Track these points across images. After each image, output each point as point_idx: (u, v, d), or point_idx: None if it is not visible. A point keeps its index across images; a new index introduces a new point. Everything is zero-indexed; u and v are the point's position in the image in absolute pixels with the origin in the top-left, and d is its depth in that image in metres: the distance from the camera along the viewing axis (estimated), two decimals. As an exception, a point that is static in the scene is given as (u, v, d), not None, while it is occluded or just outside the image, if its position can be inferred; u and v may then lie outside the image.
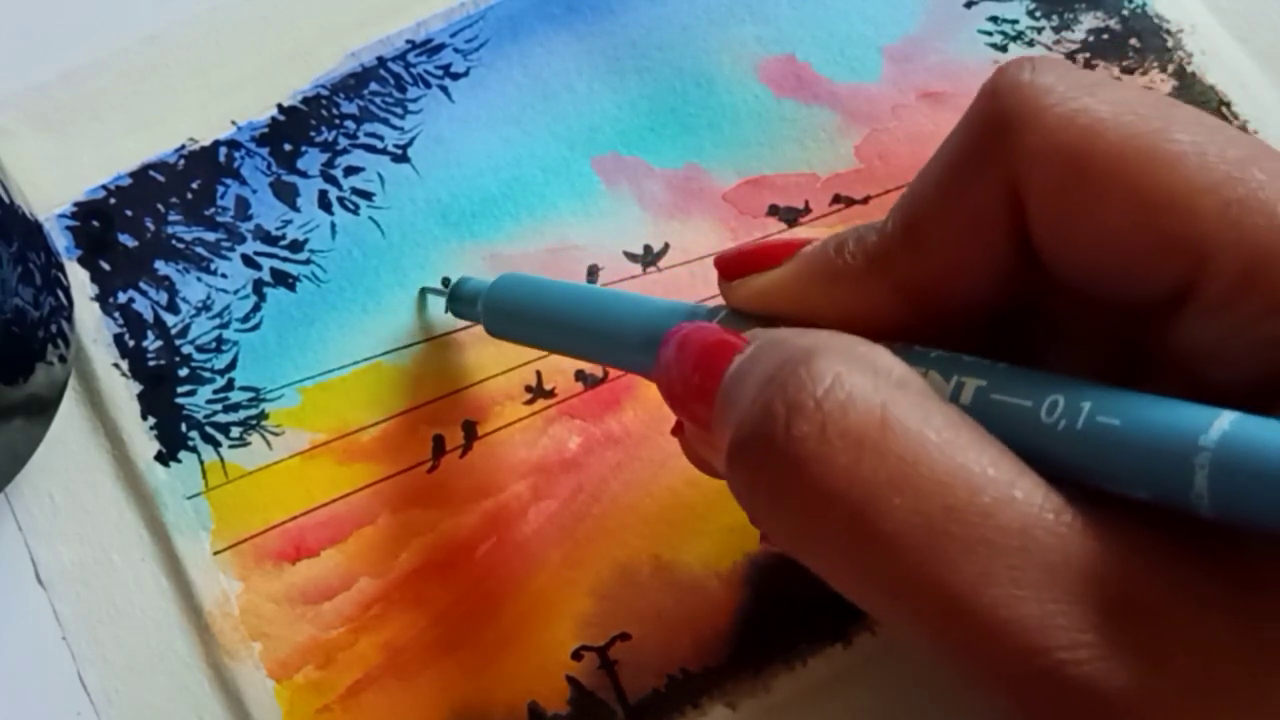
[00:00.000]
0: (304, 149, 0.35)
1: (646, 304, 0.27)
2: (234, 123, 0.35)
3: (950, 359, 0.21)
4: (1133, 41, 0.35)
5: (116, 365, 0.32)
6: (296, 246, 0.34)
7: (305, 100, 0.35)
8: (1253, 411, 0.18)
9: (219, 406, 0.32)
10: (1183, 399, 0.19)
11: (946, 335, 0.22)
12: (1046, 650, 0.18)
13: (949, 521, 0.19)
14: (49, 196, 0.34)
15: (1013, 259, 0.21)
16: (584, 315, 0.28)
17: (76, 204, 0.34)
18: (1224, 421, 0.18)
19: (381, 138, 0.35)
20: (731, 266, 0.25)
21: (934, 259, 0.22)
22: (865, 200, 0.34)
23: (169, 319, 0.33)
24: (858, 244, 0.23)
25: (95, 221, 0.34)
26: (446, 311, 0.32)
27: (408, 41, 0.36)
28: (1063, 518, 0.19)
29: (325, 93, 0.35)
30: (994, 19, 0.36)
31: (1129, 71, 0.35)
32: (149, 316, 0.33)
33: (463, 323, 0.33)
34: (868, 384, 0.20)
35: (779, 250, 0.24)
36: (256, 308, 0.33)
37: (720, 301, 0.26)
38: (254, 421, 0.32)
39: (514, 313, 0.30)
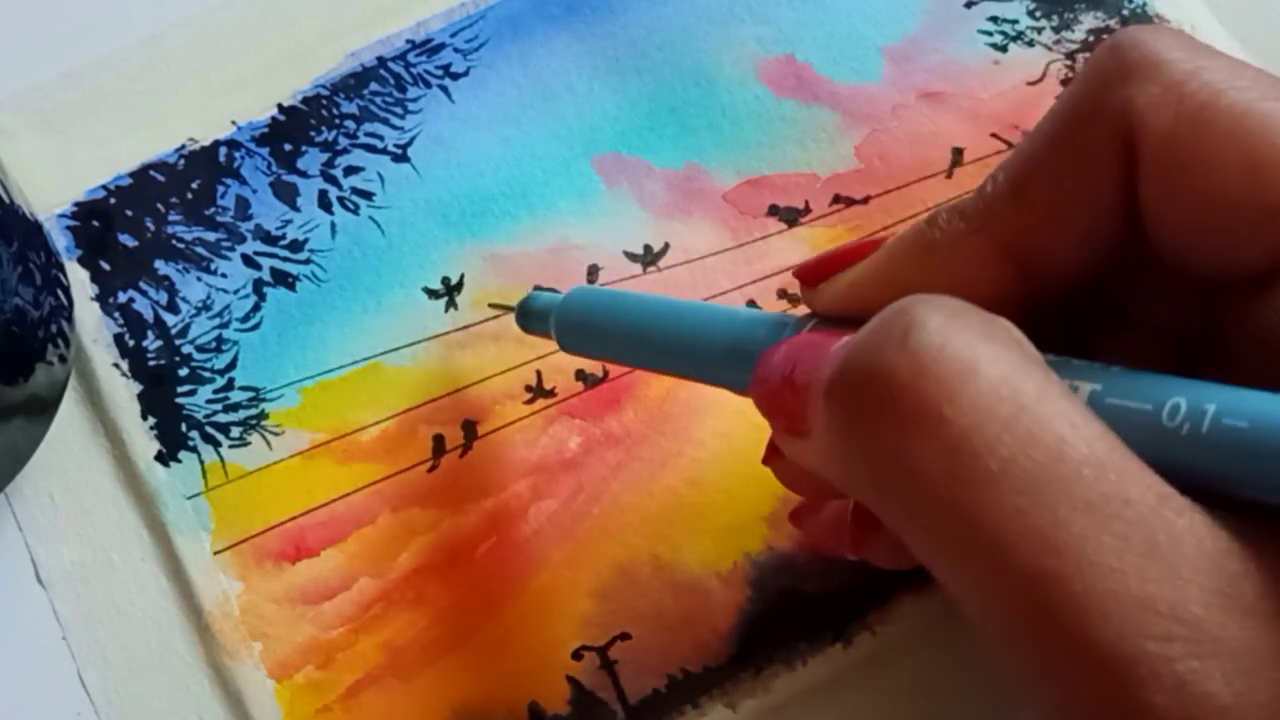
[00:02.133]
0: (304, 149, 0.35)
1: (729, 315, 0.26)
2: (234, 123, 0.35)
3: (1060, 362, 0.20)
4: (1133, 41, 0.35)
5: (116, 365, 0.32)
6: (296, 246, 0.34)
7: (305, 100, 0.35)
8: None
9: (219, 406, 0.32)
10: None
11: (1044, 313, 0.21)
12: (1138, 636, 0.17)
13: (1057, 474, 0.17)
14: (49, 196, 0.34)
15: (1118, 219, 0.21)
16: (664, 329, 0.27)
17: (76, 204, 0.34)
18: None
19: (381, 137, 0.35)
20: (814, 272, 0.24)
21: (1039, 214, 0.21)
22: (865, 200, 0.34)
23: (169, 319, 0.33)
24: (952, 211, 0.22)
25: (95, 221, 0.34)
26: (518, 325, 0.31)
27: (408, 41, 0.36)
28: (1170, 503, 0.18)
29: (325, 93, 0.35)
30: (994, 19, 0.36)
31: (1129, 71, 0.35)
32: (149, 316, 0.33)
33: (462, 322, 0.33)
34: (988, 325, 0.19)
35: (861, 248, 0.24)
36: (256, 307, 0.33)
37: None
38: (254, 421, 0.32)
39: (588, 328, 0.29)
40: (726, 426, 0.32)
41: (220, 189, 0.34)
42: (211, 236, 0.34)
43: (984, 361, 0.18)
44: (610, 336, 0.28)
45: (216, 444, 0.32)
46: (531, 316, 0.30)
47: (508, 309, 0.31)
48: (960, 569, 0.18)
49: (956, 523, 0.18)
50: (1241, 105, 0.20)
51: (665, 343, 0.27)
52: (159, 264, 0.33)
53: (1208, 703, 0.16)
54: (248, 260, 0.34)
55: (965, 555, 0.18)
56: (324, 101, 0.35)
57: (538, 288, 0.32)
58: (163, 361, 0.33)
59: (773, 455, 0.26)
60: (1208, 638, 0.17)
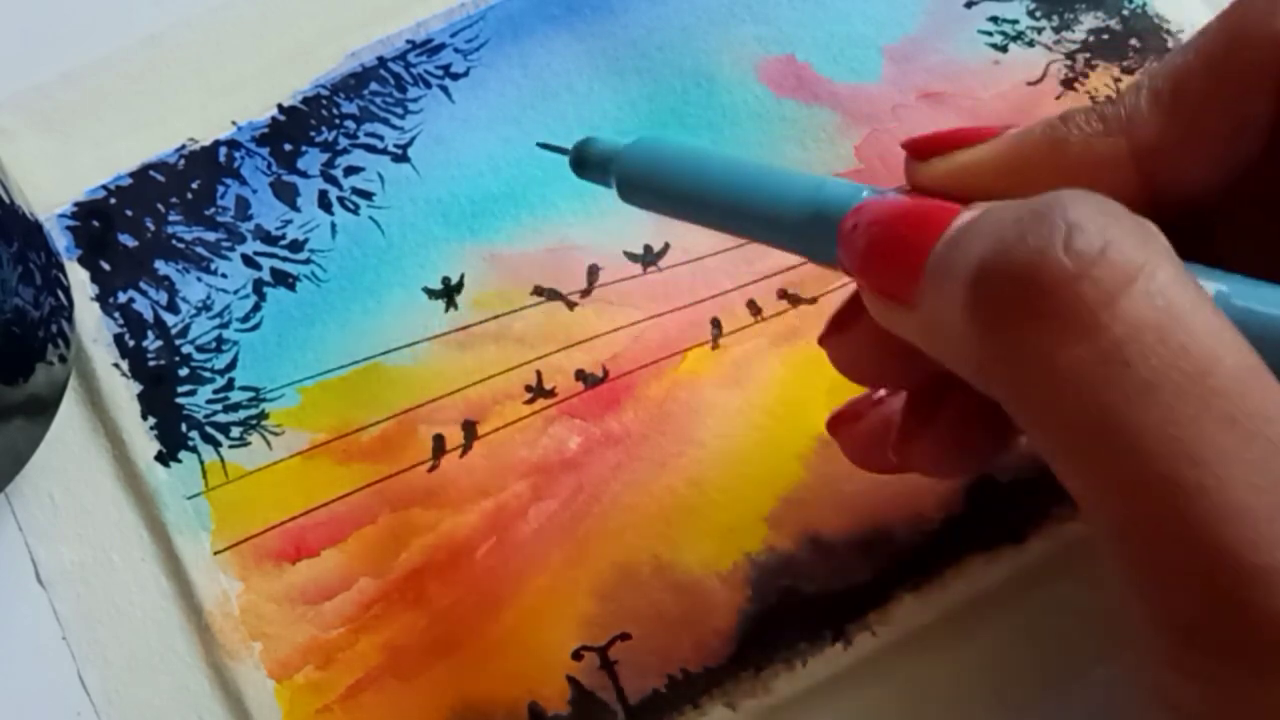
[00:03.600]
0: (304, 149, 0.35)
1: (818, 181, 0.24)
2: (234, 123, 0.35)
3: (1188, 265, 0.20)
4: (1133, 41, 0.35)
5: (116, 365, 0.32)
6: (296, 246, 0.34)
7: (305, 100, 0.35)
8: None
9: (219, 406, 0.32)
10: None
11: (1173, 226, 0.21)
12: (1271, 547, 0.17)
13: (1203, 388, 0.18)
14: (49, 196, 0.34)
15: (1261, 138, 0.21)
16: (740, 190, 0.25)
17: (76, 204, 0.34)
18: None
19: (381, 138, 0.35)
20: (926, 145, 0.23)
21: (1186, 124, 0.21)
22: (865, 200, 0.34)
23: (169, 319, 0.33)
24: (1090, 112, 0.22)
25: (95, 221, 0.34)
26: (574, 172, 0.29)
27: (408, 41, 0.36)
28: None
29: (325, 93, 0.35)
30: (994, 19, 0.36)
31: (1129, 72, 0.35)
32: (149, 316, 0.33)
33: (462, 322, 0.33)
34: (1144, 232, 0.19)
35: (978, 131, 0.23)
36: (256, 307, 0.33)
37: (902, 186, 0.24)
38: (254, 421, 0.32)
39: (656, 181, 0.26)
40: (727, 427, 0.32)
41: (220, 189, 0.34)
42: (211, 236, 0.34)
43: (1143, 269, 0.18)
44: (680, 193, 0.26)
45: (216, 444, 0.32)
46: (590, 164, 0.28)
47: (562, 150, 0.29)
48: (1092, 470, 0.19)
49: (1098, 426, 0.18)
50: None
51: (742, 205, 0.25)
52: (159, 264, 0.33)
53: None
54: (248, 260, 0.34)
55: (1101, 457, 0.18)
56: (324, 102, 0.35)
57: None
58: (163, 361, 0.33)
59: (834, 332, 0.26)
60: None
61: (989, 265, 0.19)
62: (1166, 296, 0.18)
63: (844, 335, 0.26)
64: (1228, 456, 0.17)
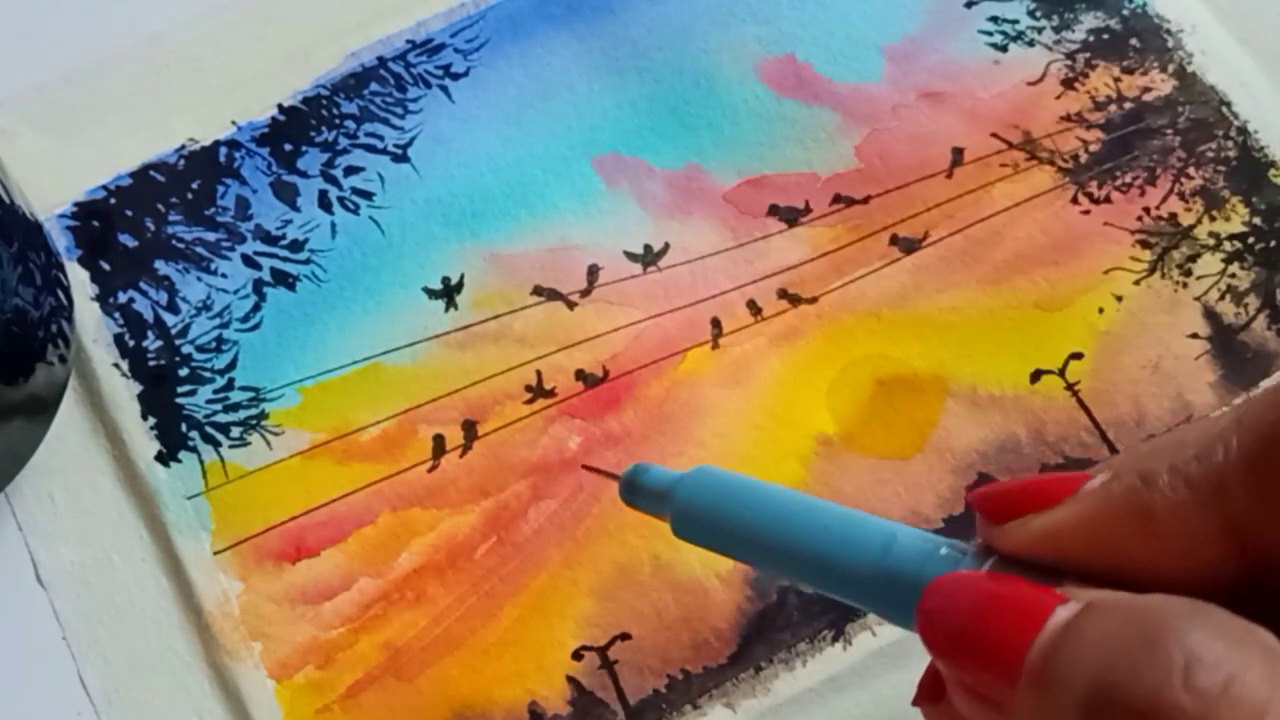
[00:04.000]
0: (304, 149, 0.35)
1: (889, 533, 0.23)
2: (234, 123, 0.35)
3: None
4: (1133, 41, 0.35)
5: (117, 365, 0.32)
6: (296, 246, 0.34)
7: (305, 100, 0.35)
8: None
9: (219, 406, 0.32)
10: None
11: (1257, 587, 0.20)
12: None
13: None
14: (49, 196, 0.34)
15: None
16: (805, 538, 0.23)
17: (77, 204, 0.34)
18: None
19: (382, 138, 0.35)
20: (999, 506, 0.22)
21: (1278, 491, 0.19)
22: (866, 200, 0.34)
23: (169, 319, 0.33)
24: (1174, 475, 0.20)
25: (95, 221, 0.34)
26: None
27: (408, 42, 0.36)
28: None
29: (325, 93, 0.35)
30: (994, 19, 0.36)
31: (1129, 71, 0.35)
32: (149, 316, 0.33)
33: (462, 322, 0.33)
34: (1267, 657, 0.17)
35: (1056, 486, 0.21)
36: (256, 307, 0.33)
37: (973, 538, 0.23)
38: (254, 421, 0.32)
39: (713, 520, 0.24)
40: (726, 426, 0.32)
41: (220, 189, 0.34)
42: (211, 236, 0.34)
43: (1270, 707, 0.17)
44: (739, 535, 0.24)
45: (216, 444, 0.32)
46: (640, 495, 0.26)
47: (612, 477, 0.27)
48: None
49: None
50: None
51: (805, 556, 0.23)
52: (159, 264, 0.33)
53: None
54: (248, 260, 0.34)
55: None
56: (324, 101, 0.35)
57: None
58: (163, 361, 0.33)
59: (929, 699, 0.24)
60: None
61: (1102, 697, 0.18)
62: None
63: (935, 705, 0.23)
64: None
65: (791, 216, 0.34)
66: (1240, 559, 0.20)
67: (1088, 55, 0.35)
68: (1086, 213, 0.34)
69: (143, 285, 0.33)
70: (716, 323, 0.33)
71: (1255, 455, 0.19)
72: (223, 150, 0.35)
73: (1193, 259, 0.33)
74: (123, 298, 0.33)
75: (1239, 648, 0.17)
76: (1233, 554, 0.20)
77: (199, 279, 0.33)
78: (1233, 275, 0.33)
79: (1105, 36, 0.36)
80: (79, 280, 0.33)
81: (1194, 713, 0.17)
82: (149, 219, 0.34)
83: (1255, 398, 0.20)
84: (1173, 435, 0.21)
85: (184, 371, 0.32)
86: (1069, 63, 0.35)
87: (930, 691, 0.23)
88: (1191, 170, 0.34)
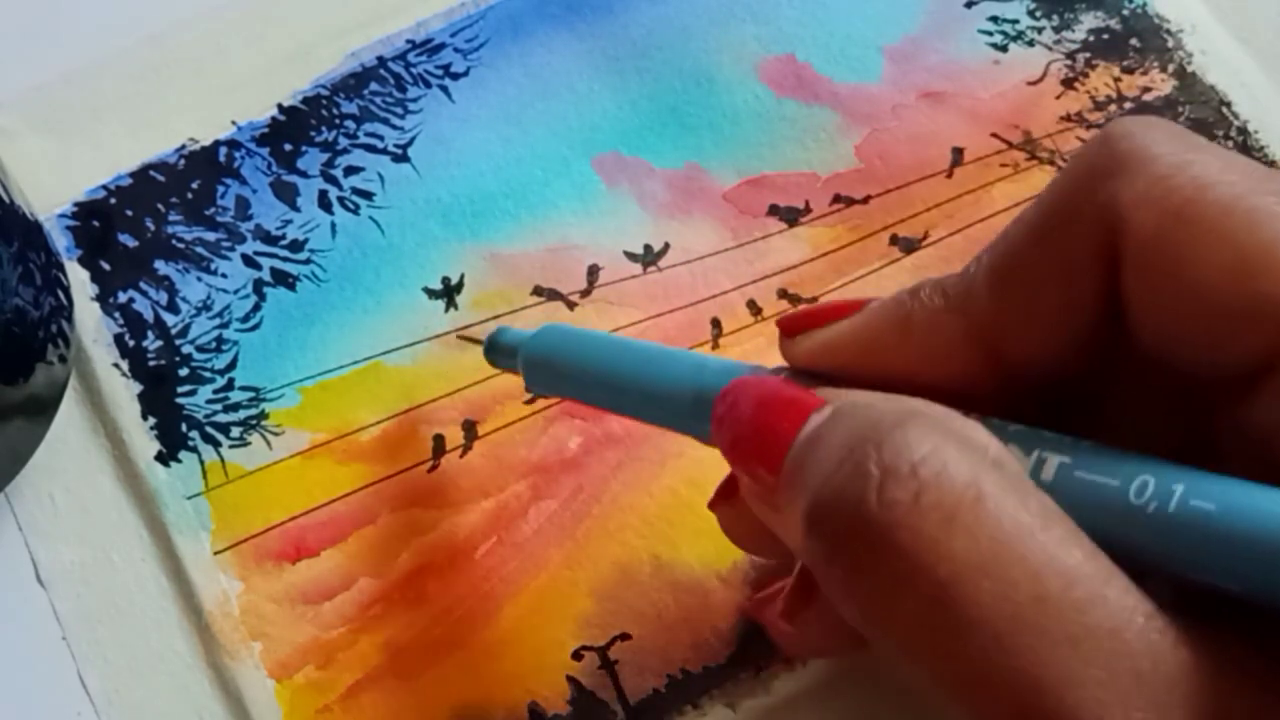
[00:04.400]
0: (304, 149, 0.35)
1: (700, 362, 0.25)
2: (234, 123, 0.35)
3: (1031, 433, 0.20)
4: (1133, 41, 0.36)
5: (117, 365, 0.32)
6: (296, 246, 0.34)
7: (305, 100, 0.35)
8: None
9: (219, 406, 0.32)
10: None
11: (1018, 400, 0.21)
12: None
13: (1039, 614, 0.18)
14: (49, 196, 0.34)
15: (1097, 315, 0.21)
16: (633, 373, 0.26)
17: (77, 204, 0.34)
18: None
19: (382, 137, 0.35)
20: (795, 323, 0.24)
21: (1018, 303, 0.21)
22: (866, 200, 0.34)
23: (169, 319, 0.33)
24: (934, 287, 0.22)
25: (95, 221, 0.34)
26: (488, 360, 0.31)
27: (408, 41, 0.36)
28: (1154, 623, 0.18)
29: (325, 93, 0.35)
30: (994, 19, 0.36)
31: (1129, 71, 0.35)
32: (149, 316, 0.33)
33: (463, 322, 0.33)
34: (964, 458, 0.19)
35: (845, 307, 0.23)
36: (256, 307, 0.33)
37: (780, 364, 0.25)
38: (254, 421, 0.32)
39: (556, 368, 0.28)
40: (726, 426, 0.32)
41: (220, 189, 0.34)
42: (211, 236, 0.34)
43: (961, 506, 0.18)
44: (577, 378, 0.28)
45: (217, 444, 0.32)
46: (500, 351, 0.30)
47: (476, 342, 0.31)
48: (946, 703, 0.19)
49: (943, 664, 0.18)
50: (1227, 201, 0.19)
51: (633, 388, 0.26)
52: (159, 264, 0.33)
53: None
54: (248, 260, 0.34)
55: (950, 692, 0.19)
56: (324, 101, 0.35)
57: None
58: (163, 361, 0.33)
59: (720, 501, 0.26)
60: None
61: (817, 508, 0.19)
62: (989, 528, 0.18)
63: (730, 505, 0.26)
64: (1072, 680, 0.17)
65: (791, 216, 0.34)
66: (992, 365, 0.21)
67: (1088, 55, 0.35)
68: (1086, 213, 0.34)
69: (143, 285, 0.33)
70: (717, 323, 0.33)
71: (998, 265, 0.21)
72: (223, 150, 0.35)
73: (1193, 259, 0.33)
74: (123, 298, 0.33)
75: (940, 453, 0.19)
76: (982, 360, 0.21)
77: (199, 279, 0.33)
78: (1233, 275, 0.33)
79: (1105, 36, 0.36)
80: (79, 280, 0.33)
81: (885, 522, 0.18)
82: (149, 219, 0.34)
83: (1014, 219, 0.22)
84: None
85: (184, 371, 0.32)
86: (1069, 63, 0.35)
87: (724, 492, 0.26)
88: (1191, 170, 0.34)
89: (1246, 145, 0.34)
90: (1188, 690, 0.17)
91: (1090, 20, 0.36)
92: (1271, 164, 0.34)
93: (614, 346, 0.27)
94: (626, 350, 0.27)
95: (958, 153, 0.34)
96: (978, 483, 0.18)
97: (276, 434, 0.32)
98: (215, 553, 0.31)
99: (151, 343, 0.33)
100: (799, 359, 0.24)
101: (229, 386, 0.32)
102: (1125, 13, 0.36)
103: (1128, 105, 0.35)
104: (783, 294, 0.33)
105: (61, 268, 0.33)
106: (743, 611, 0.29)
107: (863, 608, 0.19)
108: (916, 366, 0.22)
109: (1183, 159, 0.20)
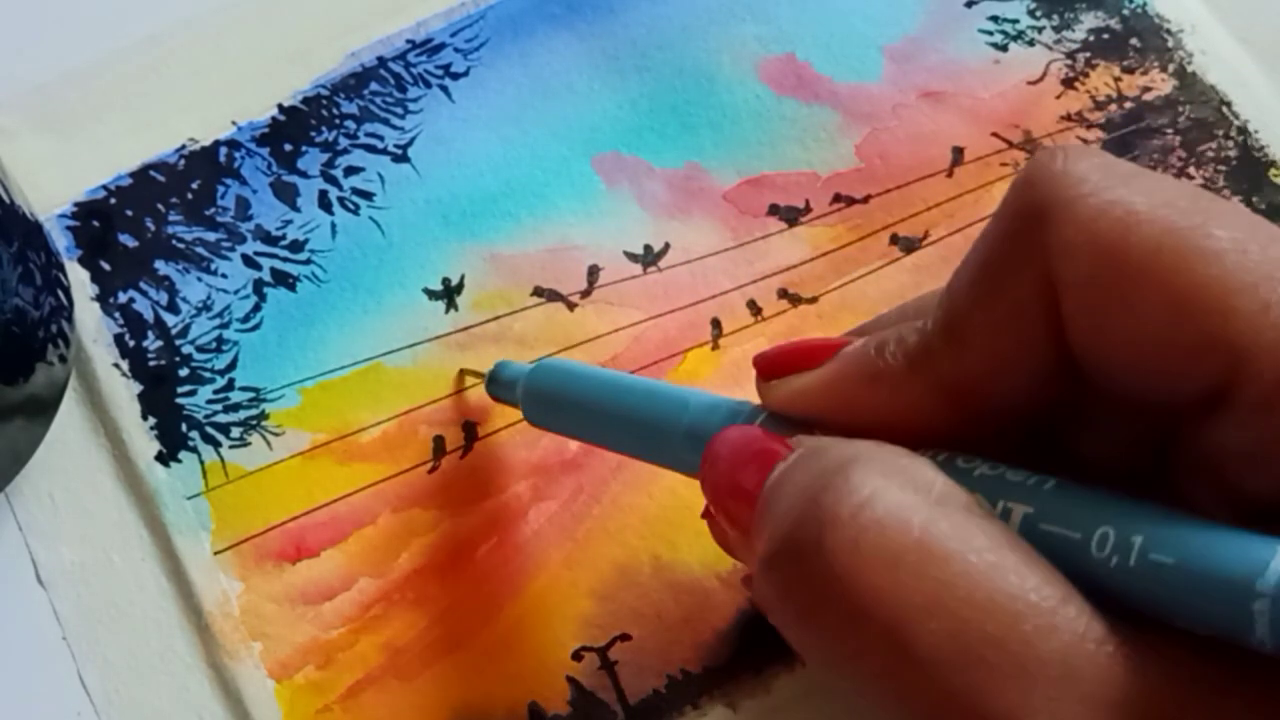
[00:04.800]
0: (304, 149, 0.35)
1: (690, 399, 0.26)
2: (234, 123, 0.35)
3: (995, 479, 0.21)
4: (1133, 41, 0.35)
5: (117, 365, 0.32)
6: (297, 246, 0.34)
7: (306, 100, 0.35)
8: None
9: (219, 406, 0.32)
10: (1242, 529, 0.18)
11: (988, 439, 0.22)
12: None
13: (986, 648, 0.18)
14: (49, 196, 0.34)
15: (1051, 357, 0.21)
16: (625, 410, 0.27)
17: (77, 204, 0.34)
18: None
19: (382, 138, 0.35)
20: (770, 366, 0.24)
21: (973, 357, 0.21)
22: (866, 200, 0.34)
23: (169, 319, 0.33)
24: (898, 344, 0.22)
25: (95, 221, 0.34)
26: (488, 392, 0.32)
27: (408, 41, 0.36)
28: (1104, 647, 0.18)
29: (325, 93, 0.35)
30: (994, 18, 0.36)
31: (1129, 71, 0.35)
32: (149, 316, 0.33)
33: (463, 323, 0.33)
34: (906, 499, 0.19)
35: (819, 350, 0.24)
36: (257, 308, 0.33)
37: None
38: (254, 422, 0.32)
39: (553, 402, 0.29)
40: (727, 427, 0.32)
41: (220, 189, 0.34)
42: (212, 237, 0.34)
43: (903, 550, 0.19)
44: (573, 413, 0.28)
45: (217, 444, 0.32)
46: (500, 385, 0.31)
47: (479, 376, 0.32)
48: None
49: (899, 702, 0.19)
50: (1154, 240, 0.19)
51: (625, 425, 0.27)
52: (159, 264, 0.33)
53: None
54: (248, 260, 0.34)
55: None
56: (324, 101, 0.35)
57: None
58: (163, 362, 0.33)
59: (710, 515, 0.27)
60: None
61: (769, 555, 0.20)
62: (933, 572, 0.19)
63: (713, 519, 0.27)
64: (1024, 709, 0.18)
65: (792, 216, 0.34)
66: (959, 413, 0.22)
67: (1088, 55, 0.35)
68: (1087, 213, 0.34)
69: (143, 285, 0.33)
70: (717, 323, 0.33)
71: (950, 322, 0.22)
72: (223, 150, 0.35)
73: (1193, 259, 0.33)
74: (123, 298, 0.33)
75: (879, 498, 0.19)
76: (949, 410, 0.22)
77: (199, 279, 0.33)
78: (1233, 275, 0.33)
79: (1105, 36, 0.36)
80: (79, 280, 0.33)
81: (829, 572, 0.19)
82: (149, 219, 0.34)
83: (957, 270, 0.22)
84: (919, 298, 0.24)
85: (184, 372, 0.32)
86: (1069, 62, 0.35)
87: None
88: (1192, 170, 0.34)
89: (1246, 145, 0.34)
90: (1139, 712, 0.18)
91: (1090, 20, 0.36)
92: (1272, 164, 0.34)
93: (606, 382, 0.28)
94: (617, 386, 0.28)
95: (958, 152, 0.34)
96: (921, 524, 0.19)
97: (277, 434, 0.32)
98: (215, 553, 0.31)
99: (152, 343, 0.33)
100: (774, 404, 0.24)
101: (229, 387, 0.32)
102: (1125, 12, 0.36)
103: (1128, 105, 0.35)
104: (783, 294, 0.33)
105: (62, 268, 0.33)
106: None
107: (818, 653, 0.20)
108: (887, 418, 0.22)
109: (1105, 199, 0.20)
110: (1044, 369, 0.21)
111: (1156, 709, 0.18)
